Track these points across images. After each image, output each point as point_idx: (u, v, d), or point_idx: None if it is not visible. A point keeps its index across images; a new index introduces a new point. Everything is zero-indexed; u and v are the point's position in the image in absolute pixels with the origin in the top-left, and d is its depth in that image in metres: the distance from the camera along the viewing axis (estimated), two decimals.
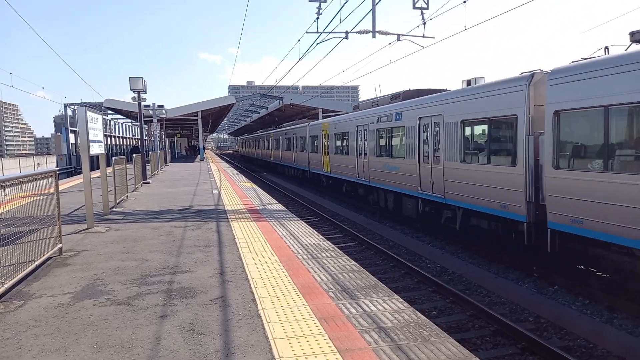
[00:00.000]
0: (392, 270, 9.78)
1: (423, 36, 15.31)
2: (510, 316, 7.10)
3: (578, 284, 8.07)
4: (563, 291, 8.06)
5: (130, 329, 4.25)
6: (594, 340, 6.16)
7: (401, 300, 5.02)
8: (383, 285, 5.56)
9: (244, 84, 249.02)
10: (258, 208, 12.14)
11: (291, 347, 3.85)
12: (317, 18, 15.47)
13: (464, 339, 6.14)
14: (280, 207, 12.63)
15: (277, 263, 6.50)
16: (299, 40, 19.02)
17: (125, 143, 60.56)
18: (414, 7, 14.69)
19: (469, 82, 11.84)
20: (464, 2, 12.56)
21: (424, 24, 14.67)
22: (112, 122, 52.69)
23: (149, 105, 29.00)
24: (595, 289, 7.76)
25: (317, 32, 15.98)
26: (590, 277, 8.11)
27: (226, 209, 11.95)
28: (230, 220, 10.14)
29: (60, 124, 50.95)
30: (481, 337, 6.50)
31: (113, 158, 12.57)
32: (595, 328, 6.57)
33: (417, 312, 4.68)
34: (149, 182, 19.58)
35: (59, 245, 7.03)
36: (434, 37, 15.49)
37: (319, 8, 15.00)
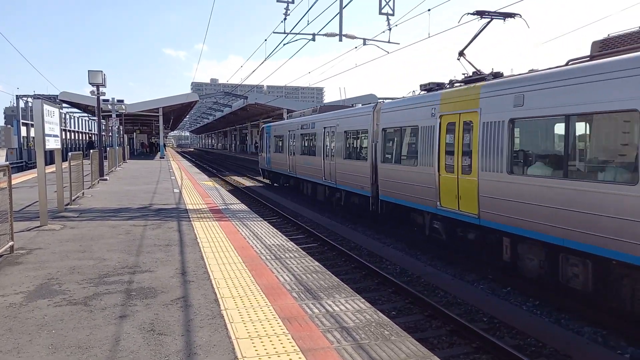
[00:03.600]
0: (354, 271, 9.90)
1: (388, 41, 15.60)
2: (466, 316, 7.33)
3: (529, 286, 8.44)
4: (516, 293, 8.40)
5: (88, 329, 4.14)
6: (543, 339, 6.47)
7: (363, 300, 5.12)
8: (345, 285, 5.64)
9: (208, 81, 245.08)
10: (220, 208, 12.02)
11: (254, 347, 3.86)
12: (285, 19, 15.48)
13: (421, 339, 6.30)
14: (243, 207, 12.55)
15: (240, 263, 6.47)
16: (265, 40, 18.97)
17: (81, 138, 58.35)
18: (380, 13, 14.96)
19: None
20: (429, 10, 12.89)
21: (390, 29, 14.96)
22: (67, 116, 50.65)
23: (108, 100, 28.06)
24: (546, 290, 8.16)
25: (284, 32, 15.99)
26: (540, 279, 8.52)
27: (188, 208, 11.77)
28: (192, 219, 9.99)
29: (12, 116, 48.53)
30: (438, 336, 6.69)
31: (69, 153, 12.11)
32: (544, 327, 6.90)
33: (378, 312, 4.79)
34: (106, 179, 19.00)
35: (10, 243, 6.74)
36: (399, 43, 15.84)
37: (287, 9, 15.02)
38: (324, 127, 17.26)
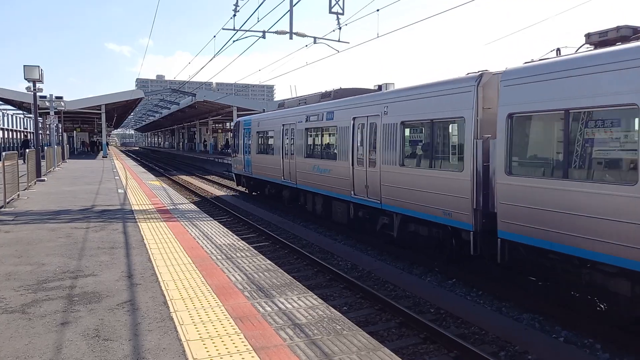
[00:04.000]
0: (306, 268, 9.96)
1: (339, 40, 15.76)
2: (414, 308, 7.58)
3: (473, 277, 8.84)
4: (460, 284, 8.76)
5: (26, 338, 3.94)
6: (486, 327, 6.80)
7: (315, 297, 5.17)
8: (298, 283, 5.68)
9: (154, 77, 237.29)
10: (168, 208, 11.71)
11: (205, 348, 3.82)
12: (234, 15, 15.29)
13: (372, 332, 6.45)
14: (192, 207, 12.30)
15: (190, 264, 6.35)
16: (214, 36, 18.61)
17: (15, 136, 54.87)
18: (330, 12, 15.08)
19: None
20: (377, 10, 13.14)
21: (340, 28, 15.11)
22: (0, 114, 47.43)
23: (45, 96, 26.55)
24: (488, 280, 8.57)
25: (234, 29, 15.77)
26: (484, 269, 8.93)
27: (133, 209, 11.38)
28: (138, 220, 9.68)
29: None
30: (388, 329, 6.87)
31: (3, 153, 11.38)
32: (487, 316, 7.25)
33: (330, 307, 4.86)
34: (44, 180, 18.00)
35: None
36: (348, 42, 16.02)
37: (236, 5, 14.84)
38: (354, 118, 11.94)
